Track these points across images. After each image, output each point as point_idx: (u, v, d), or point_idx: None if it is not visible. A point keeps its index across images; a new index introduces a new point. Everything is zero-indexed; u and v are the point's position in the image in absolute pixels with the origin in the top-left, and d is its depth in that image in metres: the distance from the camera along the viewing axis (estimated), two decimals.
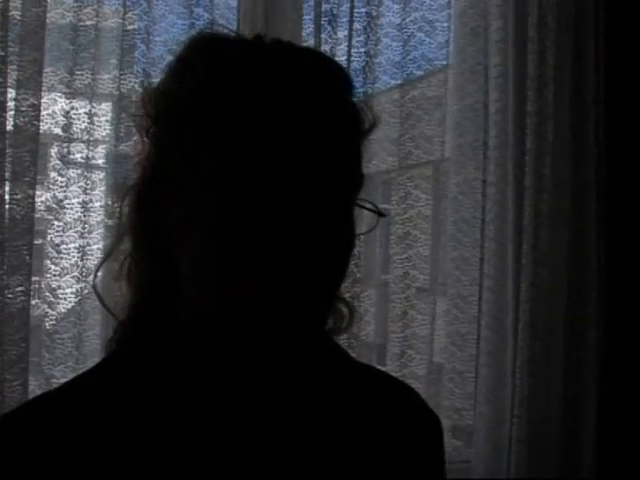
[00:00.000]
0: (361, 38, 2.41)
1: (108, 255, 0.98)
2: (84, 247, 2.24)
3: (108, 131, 2.29)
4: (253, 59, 0.88)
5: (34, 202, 2.15)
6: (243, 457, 0.91)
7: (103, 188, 2.28)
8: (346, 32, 2.38)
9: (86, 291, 2.23)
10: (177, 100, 0.90)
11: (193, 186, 0.88)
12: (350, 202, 0.91)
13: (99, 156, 2.29)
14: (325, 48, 2.34)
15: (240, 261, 0.85)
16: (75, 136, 2.27)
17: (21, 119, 2.14)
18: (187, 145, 0.89)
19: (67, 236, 2.25)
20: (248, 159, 0.85)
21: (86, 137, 2.27)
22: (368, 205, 0.93)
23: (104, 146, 2.30)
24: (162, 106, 0.92)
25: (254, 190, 0.84)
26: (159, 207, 0.91)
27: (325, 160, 0.86)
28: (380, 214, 0.95)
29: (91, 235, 2.25)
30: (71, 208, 2.25)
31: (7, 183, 2.13)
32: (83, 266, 2.24)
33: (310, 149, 0.85)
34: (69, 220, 2.25)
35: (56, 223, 2.25)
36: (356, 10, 2.39)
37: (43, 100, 2.19)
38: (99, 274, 1.03)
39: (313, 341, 0.95)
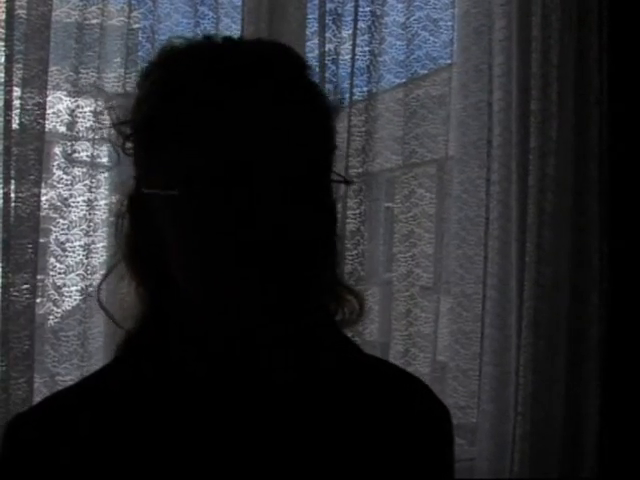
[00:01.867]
0: (365, 37, 2.41)
1: (111, 270, 0.99)
2: (89, 245, 2.25)
3: (113, 130, 2.29)
4: (202, 58, 0.90)
5: (39, 200, 2.15)
6: (247, 456, 0.91)
7: (108, 186, 2.29)
8: (350, 31, 2.38)
9: (91, 289, 2.23)
10: (139, 114, 0.93)
11: (165, 193, 0.89)
12: (328, 181, 0.92)
13: (104, 154, 2.30)
14: (329, 47, 2.34)
15: (229, 260, 0.86)
16: (80, 134, 2.27)
17: (26, 118, 2.14)
18: (151, 154, 0.91)
19: (72, 234, 2.25)
20: (218, 155, 0.86)
21: (91, 135, 2.27)
22: (336, 177, 0.94)
23: (109, 145, 2.30)
24: (131, 122, 0.94)
25: (232, 186, 0.85)
26: (147, 216, 0.92)
27: (299, 146, 0.87)
28: (347, 182, 0.98)
29: (96, 233, 2.25)
30: (76, 206, 2.25)
31: (12, 181, 2.14)
32: (88, 264, 2.24)
33: (283, 138, 0.86)
34: (74, 218, 2.25)
35: (61, 221, 2.25)
36: (360, 9, 2.39)
37: (48, 99, 2.19)
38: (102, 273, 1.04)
39: (318, 334, 0.96)
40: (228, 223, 0.85)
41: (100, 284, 1.02)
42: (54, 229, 2.25)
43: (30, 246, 2.13)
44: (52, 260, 2.25)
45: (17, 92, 2.14)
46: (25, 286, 2.13)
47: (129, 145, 0.95)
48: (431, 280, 2.56)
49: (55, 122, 2.25)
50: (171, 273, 0.91)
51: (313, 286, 0.89)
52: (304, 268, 0.86)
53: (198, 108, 0.87)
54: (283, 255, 0.84)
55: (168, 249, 0.91)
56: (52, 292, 2.25)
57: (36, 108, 2.15)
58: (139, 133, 0.93)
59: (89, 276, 2.24)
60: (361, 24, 2.40)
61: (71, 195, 2.25)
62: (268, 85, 0.87)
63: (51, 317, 2.25)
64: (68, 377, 2.20)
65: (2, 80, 2.13)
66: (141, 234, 0.93)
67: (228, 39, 0.94)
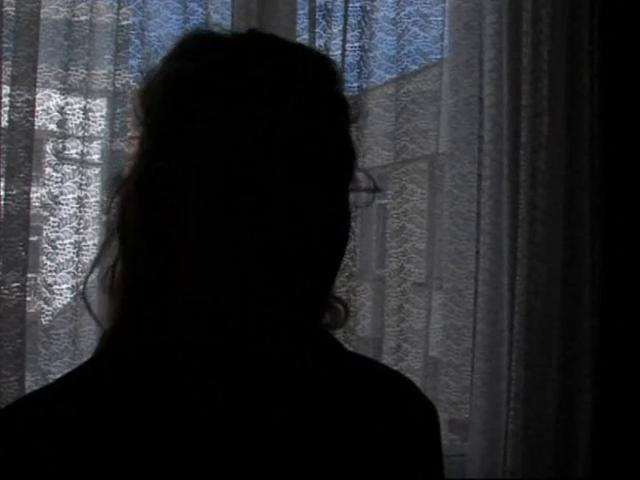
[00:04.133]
0: (355, 32, 2.41)
1: (100, 256, 0.98)
2: (79, 243, 2.24)
3: (103, 127, 2.29)
4: (246, 52, 0.89)
5: (29, 198, 2.15)
6: (236, 451, 0.91)
7: (98, 184, 2.28)
8: (340, 26, 2.38)
9: (82, 286, 2.22)
10: (169, 90, 0.91)
11: (185, 177, 0.88)
12: (344, 190, 0.91)
13: (94, 152, 2.29)
14: (319, 42, 2.34)
15: (237, 253, 0.85)
16: (70, 132, 2.26)
17: (16, 115, 2.14)
18: (178, 135, 0.89)
19: (62, 232, 2.24)
20: (239, 151, 0.85)
21: (81, 133, 2.27)
22: (363, 185, 0.95)
23: (99, 142, 2.30)
24: (156, 97, 0.92)
25: (248, 182, 0.85)
26: (155, 196, 0.90)
27: (318, 150, 0.86)
28: (376, 189, 0.97)
29: (86, 231, 2.25)
30: (66, 204, 2.25)
31: (2, 179, 2.14)
32: (79, 262, 2.24)
33: (302, 140, 0.86)
34: (64, 216, 2.25)
35: (51, 219, 2.24)
36: (350, 4, 2.39)
37: (38, 96, 2.19)
38: (95, 269, 1.03)
39: (309, 333, 0.95)
40: (234, 219, 0.85)
41: (87, 275, 1.01)
42: (44, 227, 2.25)
43: (20, 244, 2.13)
44: (43, 258, 2.25)
45: (6, 89, 2.14)
46: (15, 284, 2.13)
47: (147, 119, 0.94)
48: (423, 276, 2.55)
49: (45, 119, 2.25)
50: (171, 248, 0.91)
51: (314, 282, 0.88)
52: (307, 265, 0.86)
53: (223, 102, 0.87)
54: (288, 252, 0.84)
55: (168, 235, 0.90)
56: (43, 290, 2.25)
57: (25, 105, 2.15)
58: (164, 110, 0.91)
59: (80, 274, 2.23)
60: (351, 19, 2.40)
61: (61, 193, 2.25)
62: (299, 90, 0.87)
63: (42, 315, 2.25)
64: (60, 375, 2.18)
65: None
66: (139, 213, 0.92)
67: (272, 37, 0.94)
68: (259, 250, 0.84)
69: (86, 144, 2.27)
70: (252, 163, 0.85)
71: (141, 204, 0.92)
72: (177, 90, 0.90)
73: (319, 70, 0.91)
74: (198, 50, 0.91)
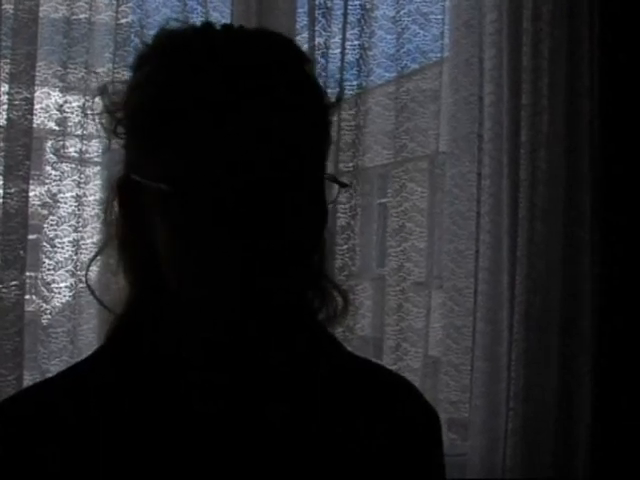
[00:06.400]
0: (355, 31, 2.40)
1: (99, 252, 0.98)
2: (78, 241, 2.24)
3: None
4: (204, 50, 0.87)
5: (28, 196, 2.15)
6: (236, 447, 0.91)
7: (97, 182, 2.28)
8: (340, 25, 2.38)
9: (81, 285, 2.22)
10: (134, 99, 0.90)
11: (158, 186, 0.87)
12: (319, 175, 0.90)
13: (93, 150, 2.28)
14: (319, 41, 2.33)
15: (217, 256, 0.84)
16: (69, 130, 2.26)
17: (14, 113, 2.14)
18: (146, 144, 0.89)
19: (61, 230, 2.24)
20: (209, 151, 0.84)
21: (80, 131, 2.26)
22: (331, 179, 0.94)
23: (98, 140, 2.29)
24: (124, 106, 0.92)
25: (221, 184, 0.83)
26: (135, 206, 0.90)
27: (293, 145, 0.85)
28: (342, 184, 0.96)
29: (85, 229, 2.24)
30: (65, 202, 2.25)
31: (1, 177, 2.14)
32: (77, 260, 2.23)
33: (276, 136, 0.84)
34: (63, 214, 2.24)
35: (50, 217, 2.24)
36: (350, 2, 2.39)
37: (36, 94, 2.18)
38: (95, 268, 1.03)
39: (308, 330, 0.95)
40: (219, 226, 0.84)
41: (88, 266, 1.01)
42: (43, 225, 2.24)
43: (19, 242, 2.14)
44: (41, 256, 2.25)
45: (5, 87, 2.14)
46: (14, 282, 2.12)
47: (120, 129, 0.93)
48: (423, 275, 2.55)
49: (43, 118, 2.24)
50: (159, 261, 0.90)
51: (300, 283, 0.88)
52: (294, 267, 0.86)
53: (195, 106, 0.85)
54: (269, 254, 0.84)
55: (156, 240, 0.90)
56: (41, 288, 2.24)
57: (24, 103, 2.15)
58: (131, 119, 0.91)
59: (78, 272, 2.23)
60: (351, 18, 2.39)
61: (60, 191, 2.25)
62: (268, 85, 0.85)
63: (41, 314, 2.24)
64: None
65: None
66: (128, 221, 0.92)
67: (229, 28, 0.92)
68: (247, 245, 0.84)
69: (85, 142, 2.26)
70: (222, 156, 0.84)
71: (125, 210, 0.92)
72: (142, 95, 0.89)
73: (282, 54, 0.89)
74: (153, 57, 0.90)
